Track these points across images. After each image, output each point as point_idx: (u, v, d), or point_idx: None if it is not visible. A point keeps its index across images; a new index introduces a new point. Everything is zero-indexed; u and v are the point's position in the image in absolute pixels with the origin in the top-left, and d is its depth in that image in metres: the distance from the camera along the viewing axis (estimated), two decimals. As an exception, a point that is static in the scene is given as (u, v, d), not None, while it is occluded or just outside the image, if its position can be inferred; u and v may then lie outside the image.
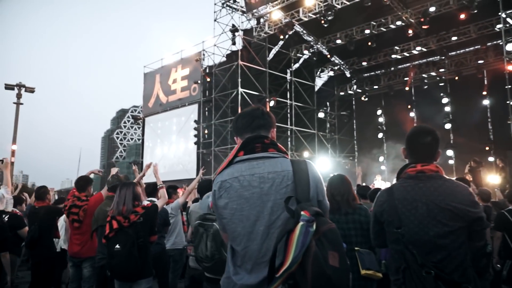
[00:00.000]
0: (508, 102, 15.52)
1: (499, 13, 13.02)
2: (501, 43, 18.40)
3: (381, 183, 17.26)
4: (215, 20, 20.48)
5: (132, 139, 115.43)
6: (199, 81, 21.11)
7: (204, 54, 21.32)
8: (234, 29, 20.18)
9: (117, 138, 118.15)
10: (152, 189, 5.81)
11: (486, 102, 19.53)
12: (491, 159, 18.06)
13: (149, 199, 5.60)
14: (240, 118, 2.16)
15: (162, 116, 23.54)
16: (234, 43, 20.30)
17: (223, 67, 20.50)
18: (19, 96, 20.19)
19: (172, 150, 22.59)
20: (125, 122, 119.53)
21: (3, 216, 6.19)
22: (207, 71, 21.33)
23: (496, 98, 18.44)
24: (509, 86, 13.14)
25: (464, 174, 15.08)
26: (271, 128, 2.14)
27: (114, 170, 5.81)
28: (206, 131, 20.69)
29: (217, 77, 20.63)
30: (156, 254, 5.30)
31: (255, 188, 1.92)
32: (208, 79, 20.85)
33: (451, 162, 20.02)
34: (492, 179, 13.62)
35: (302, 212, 1.65)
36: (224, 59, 21.13)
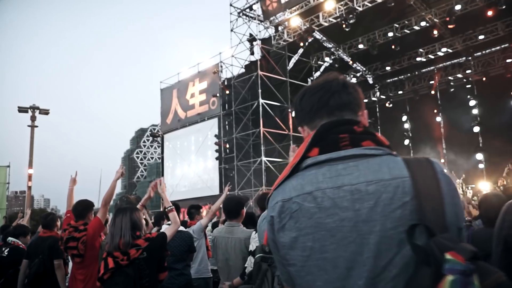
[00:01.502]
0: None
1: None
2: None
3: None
4: (231, 30, 20.04)
5: (152, 158, 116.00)
6: (217, 94, 20.61)
7: (221, 66, 20.87)
8: (251, 39, 19.70)
9: (137, 157, 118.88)
10: (163, 212, 5.11)
11: (515, 102, 18.71)
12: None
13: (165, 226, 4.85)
14: (307, 94, 1.34)
15: (181, 132, 23.05)
16: (252, 53, 19.81)
17: (242, 79, 20.00)
18: (33, 118, 19.87)
19: (192, 167, 22.02)
20: (144, 142, 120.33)
21: (3, 249, 5.42)
22: (226, 83, 20.85)
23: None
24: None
25: (500, 178, 14.33)
26: (360, 109, 1.33)
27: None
28: (227, 145, 20.11)
29: (236, 89, 20.12)
30: (181, 287, 4.59)
31: (346, 211, 1.11)
32: (227, 92, 20.35)
33: (481, 166, 19.23)
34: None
35: (447, 255, 0.94)
36: (243, 70, 20.64)
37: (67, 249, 4.39)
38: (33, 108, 19.95)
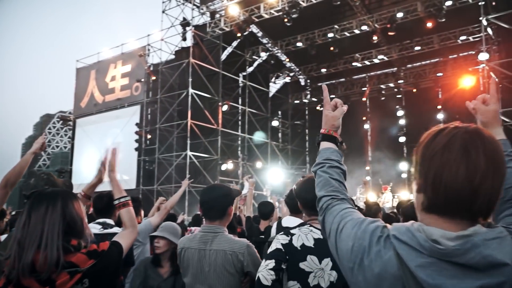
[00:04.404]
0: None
1: (480, 18, 12.26)
2: (460, 55, 18.43)
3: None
4: (163, 12, 18.38)
5: (57, 146, 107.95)
6: (142, 80, 18.78)
7: (149, 50, 19.03)
8: (184, 23, 18.19)
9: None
10: (105, 204, 3.48)
11: (440, 116, 19.14)
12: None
13: (101, 221, 3.37)
14: None
15: (97, 117, 20.78)
16: (184, 39, 18.28)
17: (171, 65, 18.45)
18: None
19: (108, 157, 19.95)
20: (50, 128, 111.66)
21: None
22: (152, 68, 19.10)
23: (449, 112, 18.13)
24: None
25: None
26: None
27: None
28: (149, 136, 18.37)
29: (163, 76, 18.50)
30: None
31: None
32: (154, 78, 18.63)
33: (404, 176, 19.47)
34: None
35: None
36: (173, 56, 19.07)
37: None
38: None
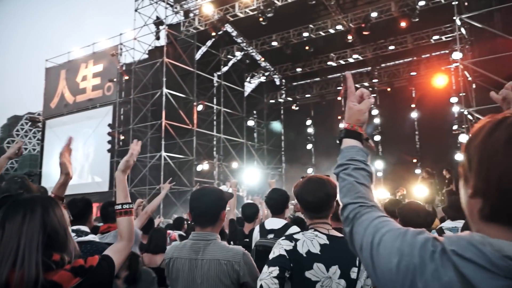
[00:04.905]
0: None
1: (454, 17, 12.38)
2: (433, 54, 18.70)
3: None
4: (136, 10, 18.00)
5: (26, 149, 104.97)
6: (115, 79, 18.34)
7: (121, 49, 18.61)
8: (158, 22, 17.87)
9: (8, 147, 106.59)
10: (80, 210, 3.21)
11: (414, 115, 19.37)
12: (417, 171, 17.92)
13: (75, 228, 2.94)
14: None
15: (68, 118, 20.20)
16: (158, 38, 17.95)
17: (144, 65, 18.09)
18: None
19: (79, 159, 19.44)
20: (18, 130, 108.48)
21: None
22: (125, 68, 18.67)
23: (424, 111, 18.40)
24: (463, 94, 12.51)
25: (401, 188, 14.45)
26: None
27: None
28: (122, 137, 17.95)
29: (137, 76, 18.11)
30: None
31: None
32: (126, 77, 18.21)
33: (379, 174, 19.65)
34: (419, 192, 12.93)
35: None
36: (146, 55, 18.69)
37: None
38: None
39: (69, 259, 1.64)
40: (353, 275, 1.95)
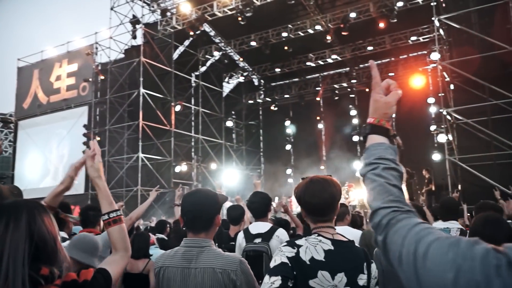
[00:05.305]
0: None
1: (432, 18, 12.49)
2: (410, 55, 18.89)
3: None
4: (111, 9, 17.65)
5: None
6: (90, 79, 17.92)
7: (97, 48, 18.20)
8: (134, 21, 17.56)
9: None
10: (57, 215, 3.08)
11: (393, 115, 19.45)
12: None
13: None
14: None
15: (42, 119, 19.65)
16: (134, 37, 17.65)
17: (121, 64, 17.74)
18: None
19: (53, 160, 18.92)
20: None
21: None
22: (100, 68, 18.27)
23: (401, 111, 18.44)
24: (442, 94, 12.60)
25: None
26: None
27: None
28: (98, 138, 17.51)
29: (113, 75, 17.72)
30: None
31: None
32: (102, 77, 17.82)
33: (358, 174, 19.69)
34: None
35: None
36: (122, 55, 18.32)
37: None
38: None
39: (59, 273, 1.44)
40: (361, 282, 1.82)
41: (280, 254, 1.86)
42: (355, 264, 1.84)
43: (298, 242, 1.89)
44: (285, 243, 1.92)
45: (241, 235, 3.82)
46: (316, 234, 1.92)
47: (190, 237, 2.17)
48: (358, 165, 19.69)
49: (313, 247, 1.85)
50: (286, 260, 1.81)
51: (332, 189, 1.97)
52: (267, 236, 3.67)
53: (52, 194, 2.23)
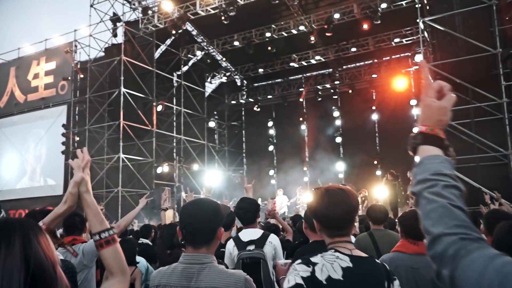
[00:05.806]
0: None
1: (417, 20, 12.52)
2: (393, 57, 18.95)
3: (283, 198, 15.86)
4: (91, 6, 17.25)
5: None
6: (69, 78, 17.51)
7: (76, 46, 17.79)
8: (115, 19, 17.20)
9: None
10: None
11: (374, 117, 19.52)
12: (378, 172, 18.09)
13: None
14: None
15: (19, 118, 19.14)
16: (115, 35, 17.30)
17: (101, 63, 17.35)
18: None
19: (30, 161, 18.43)
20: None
21: None
22: (80, 66, 17.83)
23: (384, 113, 18.57)
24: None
25: (362, 189, 14.51)
26: None
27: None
28: (77, 138, 17.13)
29: (92, 74, 17.32)
30: None
31: None
32: (82, 76, 17.40)
33: (341, 175, 19.75)
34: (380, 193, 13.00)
35: None
36: (102, 53, 17.94)
37: None
38: None
39: None
40: None
41: (295, 273, 1.69)
42: (376, 281, 1.68)
43: (313, 259, 1.73)
44: (300, 261, 1.75)
45: (231, 243, 3.66)
46: (333, 250, 1.76)
47: (190, 252, 1.97)
48: (341, 166, 19.70)
49: (330, 265, 1.69)
50: (300, 281, 1.64)
51: (351, 201, 1.81)
52: (259, 242, 3.55)
53: (53, 215, 1.89)
